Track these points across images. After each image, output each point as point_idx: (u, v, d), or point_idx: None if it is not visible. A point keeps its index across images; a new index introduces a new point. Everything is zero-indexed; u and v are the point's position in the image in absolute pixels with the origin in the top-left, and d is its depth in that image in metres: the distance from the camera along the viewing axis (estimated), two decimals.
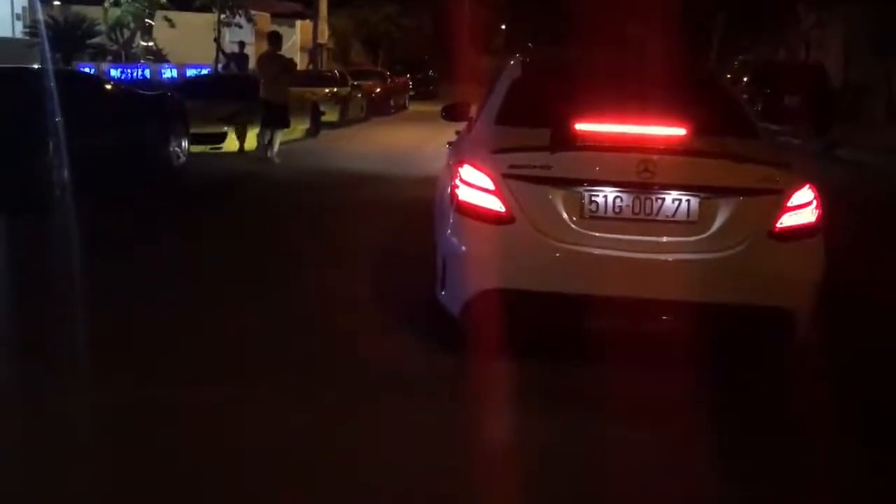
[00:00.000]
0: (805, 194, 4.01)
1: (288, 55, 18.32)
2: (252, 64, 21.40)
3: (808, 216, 4.02)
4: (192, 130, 11.53)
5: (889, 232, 8.79)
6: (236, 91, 13.83)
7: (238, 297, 5.38)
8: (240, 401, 3.76)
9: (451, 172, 4.44)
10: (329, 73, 20.63)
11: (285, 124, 12.31)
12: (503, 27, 55.99)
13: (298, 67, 23.51)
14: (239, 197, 9.58)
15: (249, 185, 10.36)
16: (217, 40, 21.19)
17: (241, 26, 21.80)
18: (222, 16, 21.21)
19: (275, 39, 12.64)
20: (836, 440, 3.61)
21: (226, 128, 12.50)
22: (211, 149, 12.28)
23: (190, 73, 20.18)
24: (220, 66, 20.74)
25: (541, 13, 45.70)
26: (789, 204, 3.97)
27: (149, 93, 11.52)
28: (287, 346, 4.52)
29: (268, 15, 26.40)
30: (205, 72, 20.33)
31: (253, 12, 22.39)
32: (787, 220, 3.97)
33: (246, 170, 11.39)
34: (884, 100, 22.14)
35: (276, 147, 12.16)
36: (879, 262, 6.96)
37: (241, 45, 20.84)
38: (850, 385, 4.21)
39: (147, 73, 19.71)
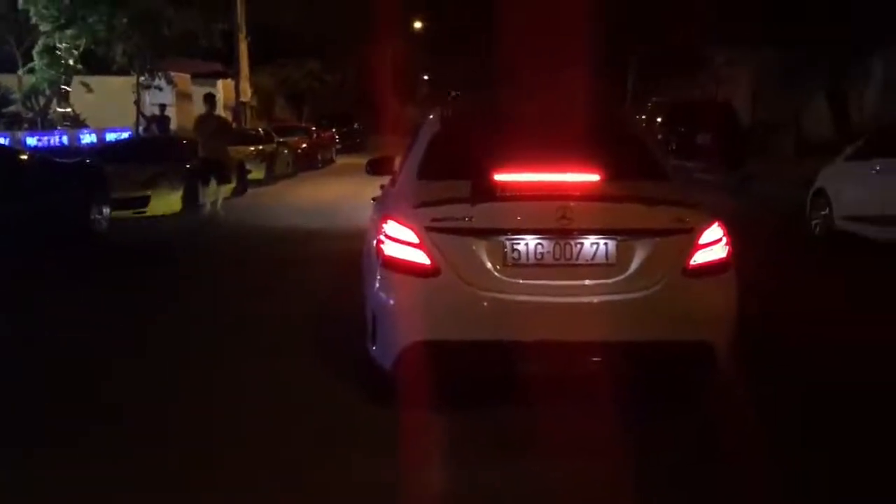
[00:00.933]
0: (714, 232, 4.20)
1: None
2: (174, 125, 21.32)
3: (720, 252, 4.20)
4: (114, 195, 11.35)
5: (802, 263, 9.20)
6: (158, 154, 13.73)
7: (171, 348, 5.35)
8: None
9: (376, 228, 4.50)
10: (253, 131, 20.59)
11: (226, 180, 13.19)
12: (425, 77, 56.99)
13: None
14: (163, 261, 9.41)
15: (175, 247, 10.22)
16: (137, 103, 20.97)
17: (161, 88, 21.63)
18: (141, 78, 21.02)
19: (210, 100, 13.52)
20: (764, 468, 3.74)
21: (149, 191, 12.33)
22: (134, 213, 12.08)
23: (110, 137, 19.89)
24: (141, 129, 20.49)
25: (461, 62, 46.74)
26: (700, 242, 4.14)
27: (66, 161, 11.36)
28: (212, 409, 4.48)
29: (188, 76, 26.28)
30: (125, 135, 20.05)
31: (173, 74, 22.25)
32: (700, 258, 4.14)
33: (171, 231, 11.28)
34: (792, 135, 23.19)
35: (220, 202, 12.87)
36: (791, 292, 7.27)
37: (163, 107, 20.64)
38: (774, 414, 4.37)
39: (65, 139, 19.35)
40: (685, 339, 4.12)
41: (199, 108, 26.54)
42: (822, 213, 10.20)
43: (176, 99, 24.30)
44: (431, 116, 5.42)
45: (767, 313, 5.81)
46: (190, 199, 12.93)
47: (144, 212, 12.20)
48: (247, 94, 24.23)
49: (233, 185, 14.85)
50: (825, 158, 11.40)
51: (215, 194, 12.96)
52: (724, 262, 4.22)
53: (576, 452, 3.85)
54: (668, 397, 4.52)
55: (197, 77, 26.95)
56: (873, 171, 9.15)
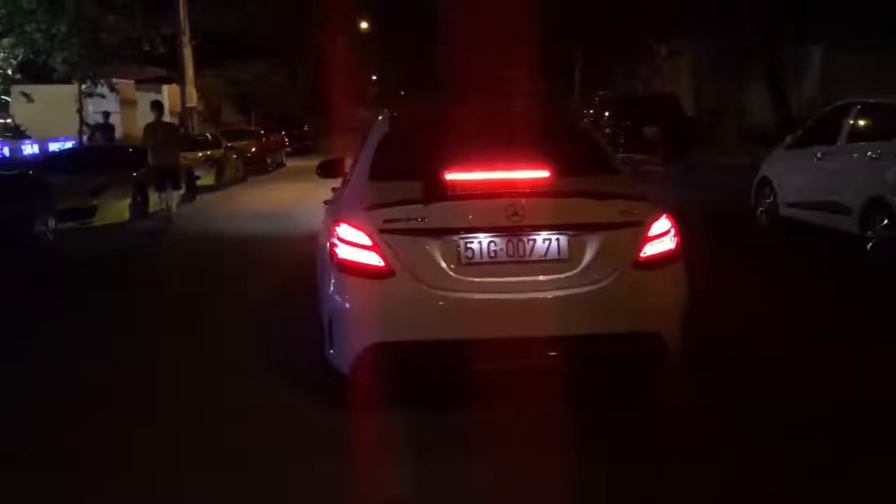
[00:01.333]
0: (663, 224, 4.27)
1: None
2: (119, 133, 20.93)
3: (668, 244, 4.28)
4: (60, 206, 11.12)
5: (747, 252, 9.42)
6: (104, 163, 13.50)
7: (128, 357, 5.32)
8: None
9: (329, 231, 4.49)
10: (201, 137, 20.30)
11: (177, 186, 13.22)
12: (374, 78, 56.80)
13: None
14: (108, 271, 9.24)
15: (122, 256, 10.05)
16: (80, 112, 20.52)
17: (104, 96, 21.17)
18: (83, 86, 20.56)
19: (158, 107, 13.73)
20: (711, 459, 3.82)
21: (95, 201, 12.08)
22: (81, 223, 11.82)
23: (53, 147, 19.44)
24: (85, 137, 20.07)
25: (410, 61, 46.78)
26: (650, 234, 4.21)
27: (7, 173, 11.11)
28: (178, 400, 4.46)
29: (132, 83, 25.81)
30: (69, 145, 19.62)
31: (115, 81, 21.80)
32: (650, 250, 4.21)
33: (119, 241, 11.08)
34: (735, 123, 23.72)
35: (174, 208, 13.02)
36: (737, 281, 7.45)
37: (106, 114, 20.22)
38: (720, 404, 4.49)
39: (6, 150, 18.86)
40: (637, 330, 4.19)
41: (143, 114, 26.13)
42: (767, 200, 10.44)
43: (120, 106, 23.84)
44: (381, 118, 5.43)
45: (714, 303, 5.93)
46: (138, 208, 12.73)
47: (91, 222, 11.96)
48: (193, 98, 23.85)
49: (183, 191, 14.67)
50: (768, 145, 11.66)
51: (168, 201, 12.96)
52: (673, 254, 4.30)
53: (535, 448, 3.89)
54: (620, 388, 4.60)
55: (141, 83, 26.50)
56: (814, 159, 9.38)
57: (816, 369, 5.00)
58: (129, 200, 12.54)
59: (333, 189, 5.92)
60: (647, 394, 4.63)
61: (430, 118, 5.90)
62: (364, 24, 45.38)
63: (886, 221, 7.85)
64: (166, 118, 26.81)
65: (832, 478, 3.58)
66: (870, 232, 8.11)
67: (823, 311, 6.38)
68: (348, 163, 5.66)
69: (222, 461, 3.88)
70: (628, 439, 4.01)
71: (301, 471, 3.75)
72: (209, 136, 20.38)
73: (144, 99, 26.86)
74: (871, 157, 8.28)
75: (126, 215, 12.44)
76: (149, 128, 13.40)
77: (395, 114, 5.54)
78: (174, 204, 13.08)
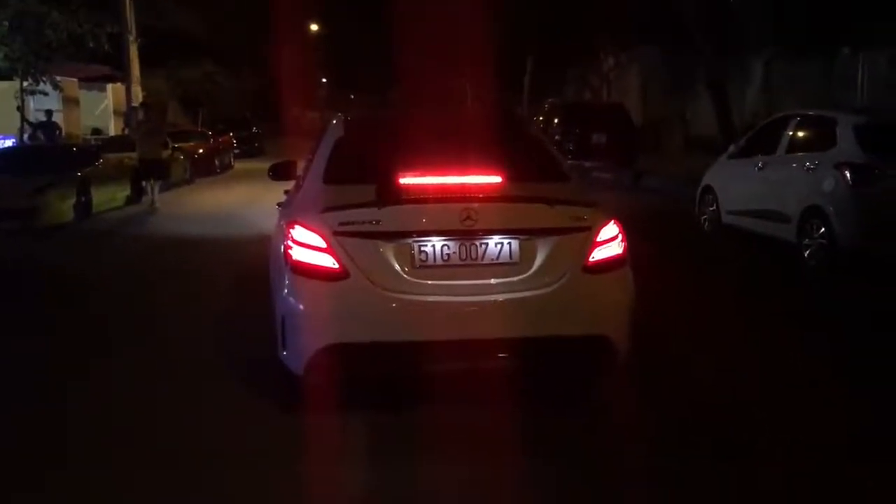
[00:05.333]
0: (611, 229, 4.40)
1: (101, 121, 20.40)
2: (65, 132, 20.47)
3: (616, 249, 4.41)
4: None
5: (690, 257, 9.66)
6: (46, 162, 13.19)
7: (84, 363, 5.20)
8: None
9: (283, 233, 4.51)
10: None
11: (161, 176, 14.95)
12: (324, 80, 56.56)
13: (112, 132, 23.45)
14: (49, 274, 9.07)
15: (63, 258, 9.84)
16: (20, 109, 19.99)
17: (46, 93, 20.65)
18: (25, 83, 20.03)
19: (145, 107, 16.51)
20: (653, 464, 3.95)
21: (37, 201, 11.79)
22: (22, 224, 11.52)
23: None
24: (25, 136, 19.56)
25: (359, 65, 46.70)
26: (598, 239, 4.34)
27: None
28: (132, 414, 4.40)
29: (75, 80, 25.19)
30: (9, 143, 19.11)
31: (59, 78, 21.27)
32: (598, 254, 4.34)
33: (62, 243, 10.85)
34: (681, 132, 24.23)
35: (156, 197, 14.41)
36: (681, 285, 7.65)
37: (49, 113, 19.74)
38: (662, 408, 4.62)
39: None
40: (586, 333, 4.30)
41: (86, 112, 25.68)
42: (710, 208, 10.73)
43: (63, 104, 23.29)
44: (334, 122, 5.46)
45: (659, 305, 6.11)
46: (82, 208, 12.50)
47: (32, 223, 11.67)
48: (138, 98, 23.40)
49: (127, 193, 14.58)
50: (712, 154, 11.98)
51: (151, 191, 14.44)
52: (620, 258, 4.43)
53: (485, 448, 3.97)
54: (567, 388, 4.71)
55: (85, 81, 25.89)
56: (755, 169, 9.68)
57: (745, 370, 5.20)
58: (73, 200, 12.30)
59: (286, 191, 5.92)
60: (594, 394, 4.74)
61: (384, 123, 5.95)
62: (314, 27, 45.16)
63: (823, 230, 8.15)
64: (110, 118, 26.46)
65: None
66: (807, 240, 8.40)
67: (757, 314, 6.61)
68: (301, 165, 5.67)
69: (171, 459, 3.87)
70: (575, 439, 4.11)
71: (254, 471, 3.76)
72: None
73: (88, 97, 26.33)
74: (808, 168, 8.58)
75: (69, 216, 12.20)
76: (136, 123, 15.78)
77: (348, 118, 5.57)
78: (155, 193, 14.38)
